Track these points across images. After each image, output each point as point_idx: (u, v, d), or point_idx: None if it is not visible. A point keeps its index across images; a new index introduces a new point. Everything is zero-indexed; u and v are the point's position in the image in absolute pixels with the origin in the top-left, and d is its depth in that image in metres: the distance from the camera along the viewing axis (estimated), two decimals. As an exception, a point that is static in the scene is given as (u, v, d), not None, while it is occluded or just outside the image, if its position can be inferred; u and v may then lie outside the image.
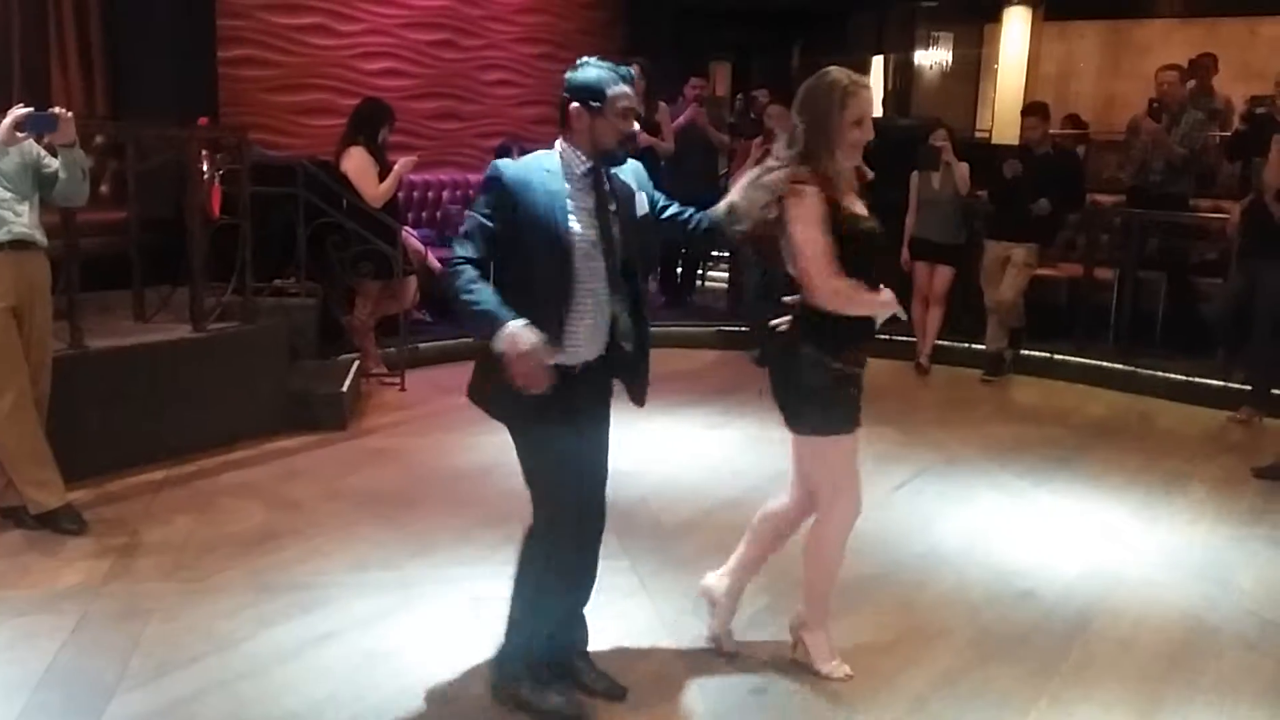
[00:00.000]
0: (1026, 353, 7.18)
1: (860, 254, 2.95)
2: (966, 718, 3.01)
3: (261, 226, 5.38)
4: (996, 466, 5.22)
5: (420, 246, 7.01)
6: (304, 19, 7.51)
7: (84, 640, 3.22)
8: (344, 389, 5.54)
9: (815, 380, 3.00)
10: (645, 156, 7.48)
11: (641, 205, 2.87)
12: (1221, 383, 6.50)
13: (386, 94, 7.06)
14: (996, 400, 6.71)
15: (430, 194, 8.22)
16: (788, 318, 3.06)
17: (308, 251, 5.90)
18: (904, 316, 3.13)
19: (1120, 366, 6.90)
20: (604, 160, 2.77)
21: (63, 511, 4.03)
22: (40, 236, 3.97)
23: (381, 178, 6.08)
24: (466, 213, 2.77)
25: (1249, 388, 6.23)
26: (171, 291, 5.15)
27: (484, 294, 2.62)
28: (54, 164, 3.98)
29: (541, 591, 2.88)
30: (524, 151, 8.58)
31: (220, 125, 6.30)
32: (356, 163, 6.05)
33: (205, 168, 5.26)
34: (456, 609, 3.51)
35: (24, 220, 3.89)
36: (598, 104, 2.71)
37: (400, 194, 6.58)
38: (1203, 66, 7.87)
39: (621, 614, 3.46)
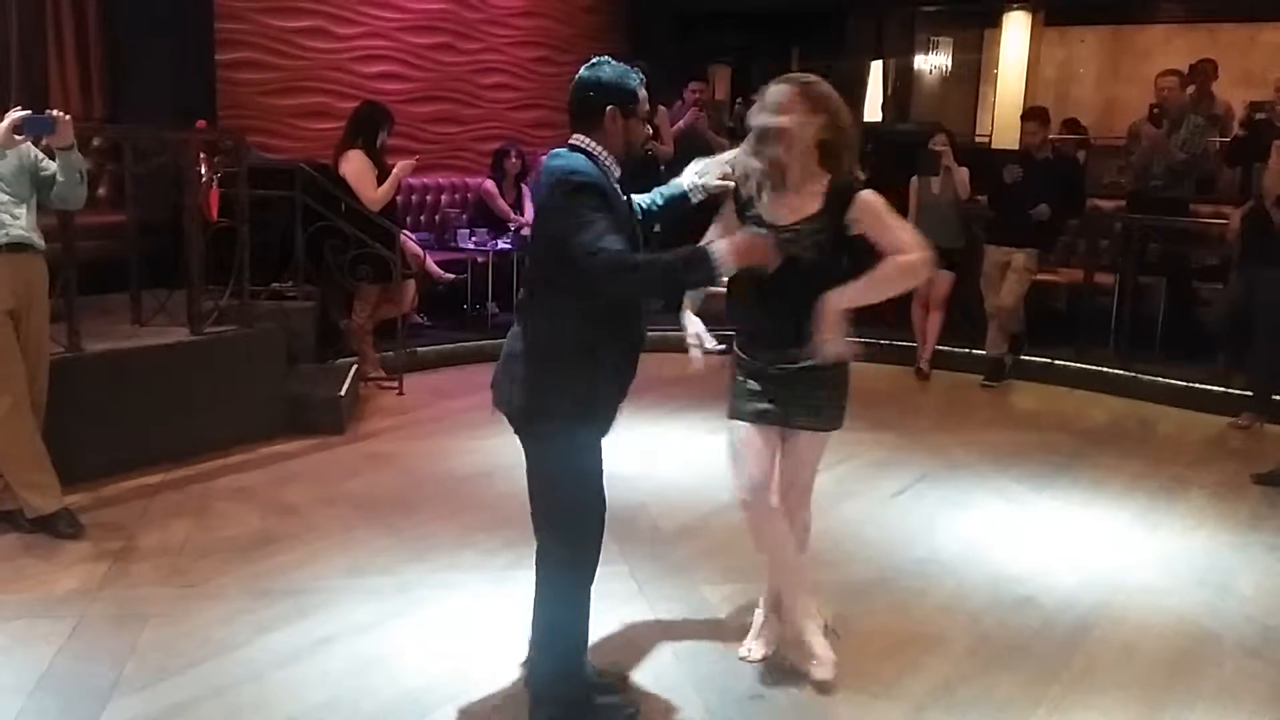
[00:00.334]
0: (1026, 358, 7.17)
1: None
2: (966, 725, 3.00)
3: (259, 230, 5.38)
4: (996, 472, 5.21)
5: (419, 250, 7.01)
6: (302, 22, 7.50)
7: (80, 645, 3.21)
8: (342, 393, 5.52)
9: None
10: (645, 160, 7.50)
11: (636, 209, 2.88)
12: (1222, 388, 6.49)
13: (385, 97, 7.06)
14: (996, 406, 6.70)
15: (429, 197, 8.22)
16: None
17: (306, 255, 5.89)
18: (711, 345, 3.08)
19: (1120, 372, 6.89)
20: (626, 164, 2.76)
21: (59, 515, 4.01)
22: (38, 239, 3.96)
23: (380, 181, 6.08)
24: (583, 221, 2.53)
25: (1250, 393, 6.22)
26: (169, 295, 5.13)
27: (662, 256, 2.62)
28: (52, 167, 3.97)
29: (579, 607, 2.82)
30: (522, 155, 8.53)
31: (218, 128, 6.29)
32: (355, 166, 6.05)
33: (203, 171, 5.25)
34: (455, 614, 3.50)
35: (21, 223, 3.88)
36: (632, 106, 2.70)
37: (399, 197, 6.57)
38: (1203, 72, 7.86)
39: (620, 620, 3.44)
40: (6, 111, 3.77)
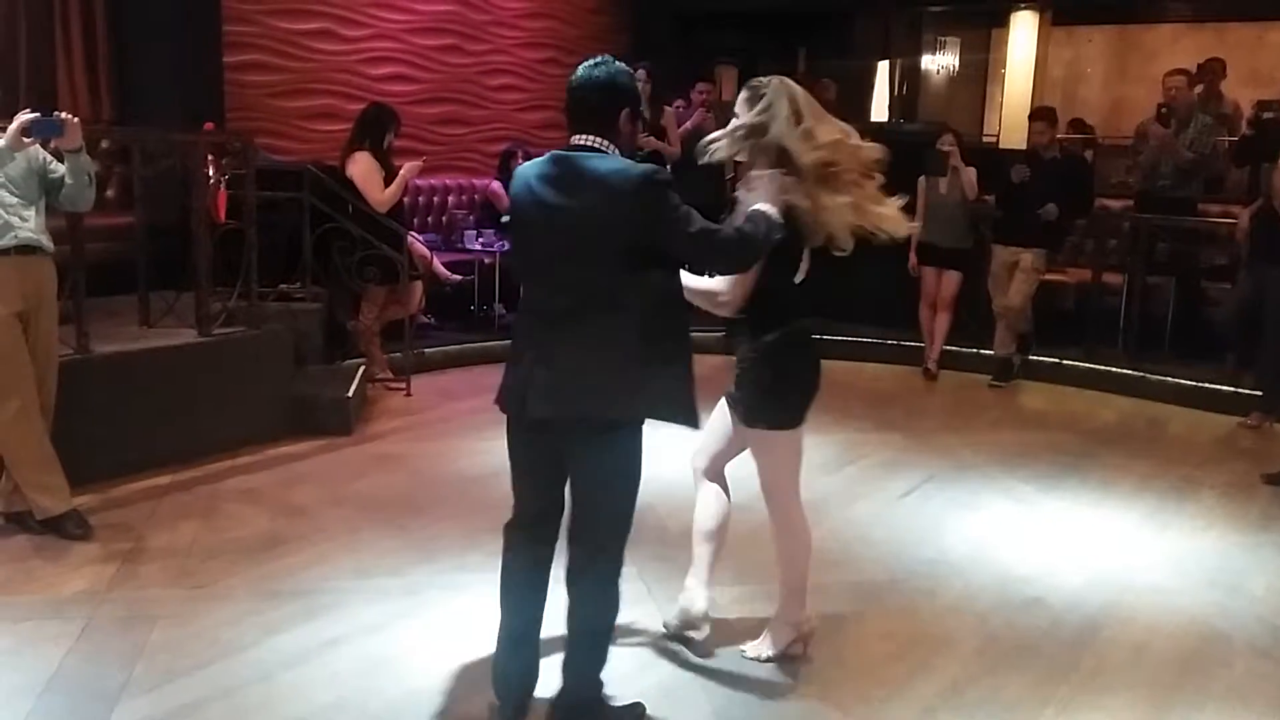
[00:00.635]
0: (1035, 358, 7.16)
1: None
2: (975, 726, 3.00)
3: (267, 231, 5.39)
4: (1005, 473, 5.19)
5: (426, 251, 7.01)
6: (310, 24, 7.51)
7: (89, 646, 3.22)
8: (349, 394, 5.53)
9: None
10: (652, 161, 7.51)
11: None
12: (1231, 388, 6.47)
13: (392, 99, 7.07)
14: (1005, 406, 6.68)
15: (436, 199, 8.22)
16: None
17: (313, 256, 5.90)
18: None
19: (1129, 372, 6.88)
20: None
21: (68, 517, 4.02)
22: (46, 242, 3.97)
23: (387, 182, 6.08)
24: (682, 212, 2.64)
25: (1259, 393, 6.21)
26: (177, 296, 5.14)
27: (741, 226, 2.78)
28: (60, 169, 3.98)
29: (615, 608, 2.85)
30: (529, 156, 8.60)
31: (226, 130, 6.30)
32: (362, 167, 6.05)
33: (211, 173, 5.26)
34: (463, 615, 3.49)
35: (30, 225, 3.89)
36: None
37: (406, 199, 6.58)
38: (1211, 71, 7.84)
39: (629, 621, 3.43)
40: (15, 114, 3.78)
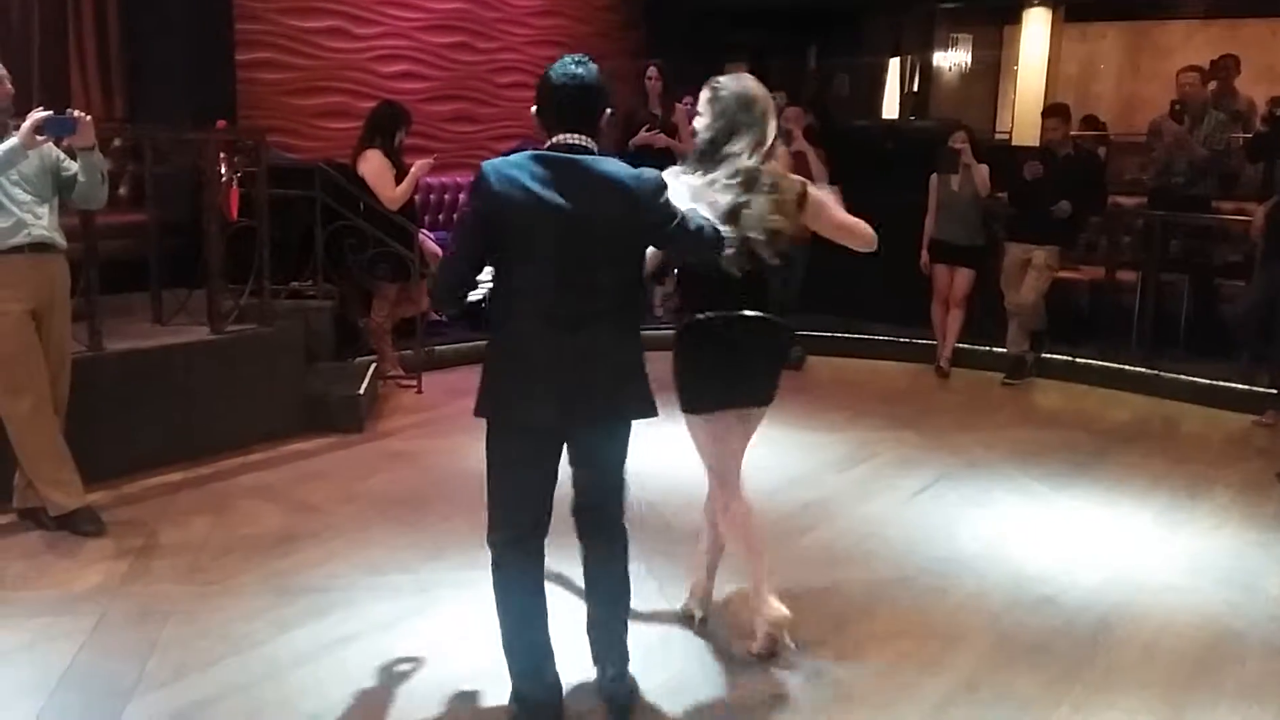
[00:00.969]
0: (1048, 356, 7.12)
1: None
2: (988, 725, 2.98)
3: (279, 229, 5.40)
4: (1018, 471, 5.17)
5: (437, 249, 7.00)
6: (321, 22, 7.52)
7: (102, 642, 3.23)
8: (361, 391, 5.54)
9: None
10: (663, 157, 7.47)
11: None
12: (1246, 386, 6.43)
13: (403, 97, 7.08)
14: (1017, 404, 6.66)
15: (446, 196, 8.22)
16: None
17: (325, 254, 5.91)
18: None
19: (1143, 370, 6.83)
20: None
21: (81, 513, 4.04)
22: (60, 239, 3.99)
23: (398, 180, 6.09)
24: (675, 208, 2.76)
25: (1274, 391, 6.17)
26: (189, 294, 5.15)
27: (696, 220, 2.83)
28: (73, 167, 3.99)
29: None
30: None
31: (238, 128, 6.31)
32: (373, 165, 6.06)
33: (223, 170, 5.26)
34: (474, 612, 3.48)
35: (44, 223, 3.90)
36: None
37: (417, 196, 6.58)
38: (1224, 68, 7.78)
39: (639, 619, 3.42)
40: (29, 112, 3.79)
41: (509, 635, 2.81)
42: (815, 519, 4.45)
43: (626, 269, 2.73)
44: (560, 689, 2.85)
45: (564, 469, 2.85)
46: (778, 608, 3.20)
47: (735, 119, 3.05)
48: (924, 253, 7.03)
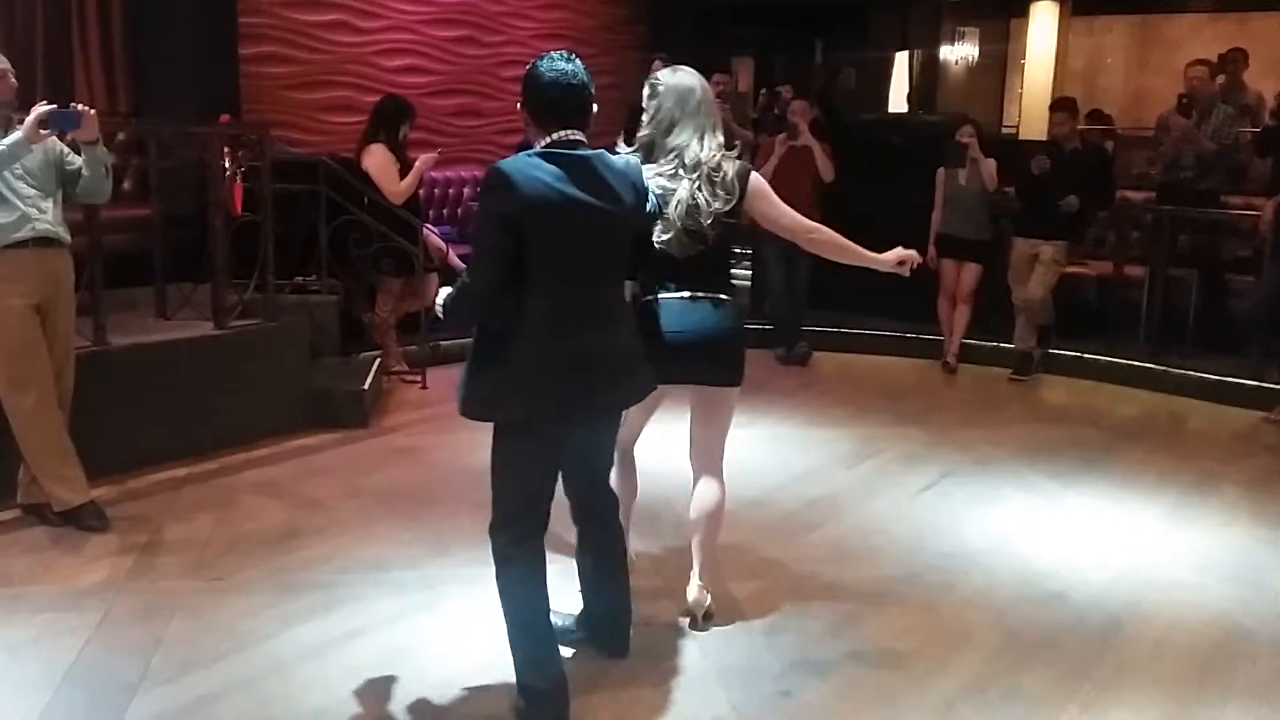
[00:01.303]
0: (1055, 352, 7.09)
1: None
2: (997, 723, 2.97)
3: (283, 224, 5.38)
4: (1025, 467, 5.15)
5: (441, 243, 6.99)
6: (326, 16, 7.51)
7: (107, 637, 3.22)
8: (365, 387, 5.53)
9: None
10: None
11: None
12: (1255, 382, 6.40)
13: (407, 90, 7.05)
14: (1025, 400, 6.62)
15: (451, 191, 8.21)
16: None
17: (329, 249, 5.89)
18: None
19: (1151, 366, 6.80)
20: None
21: (86, 508, 4.03)
22: (64, 233, 3.97)
23: (402, 175, 6.07)
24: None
25: (1282, 387, 6.14)
26: (194, 289, 5.14)
27: None
28: (77, 161, 3.98)
29: None
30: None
31: (242, 122, 6.30)
32: (377, 160, 6.04)
33: (227, 165, 5.25)
34: (480, 607, 3.47)
35: (48, 217, 3.89)
36: None
37: (421, 191, 6.56)
38: (1233, 61, 7.74)
39: (646, 618, 3.42)
40: (33, 106, 3.77)
41: (516, 629, 2.81)
42: (821, 516, 4.44)
43: (624, 261, 2.85)
44: (565, 680, 2.85)
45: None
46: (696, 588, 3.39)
47: (673, 113, 3.14)
48: (931, 247, 7.00)
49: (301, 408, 5.31)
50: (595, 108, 2.74)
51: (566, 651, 3.08)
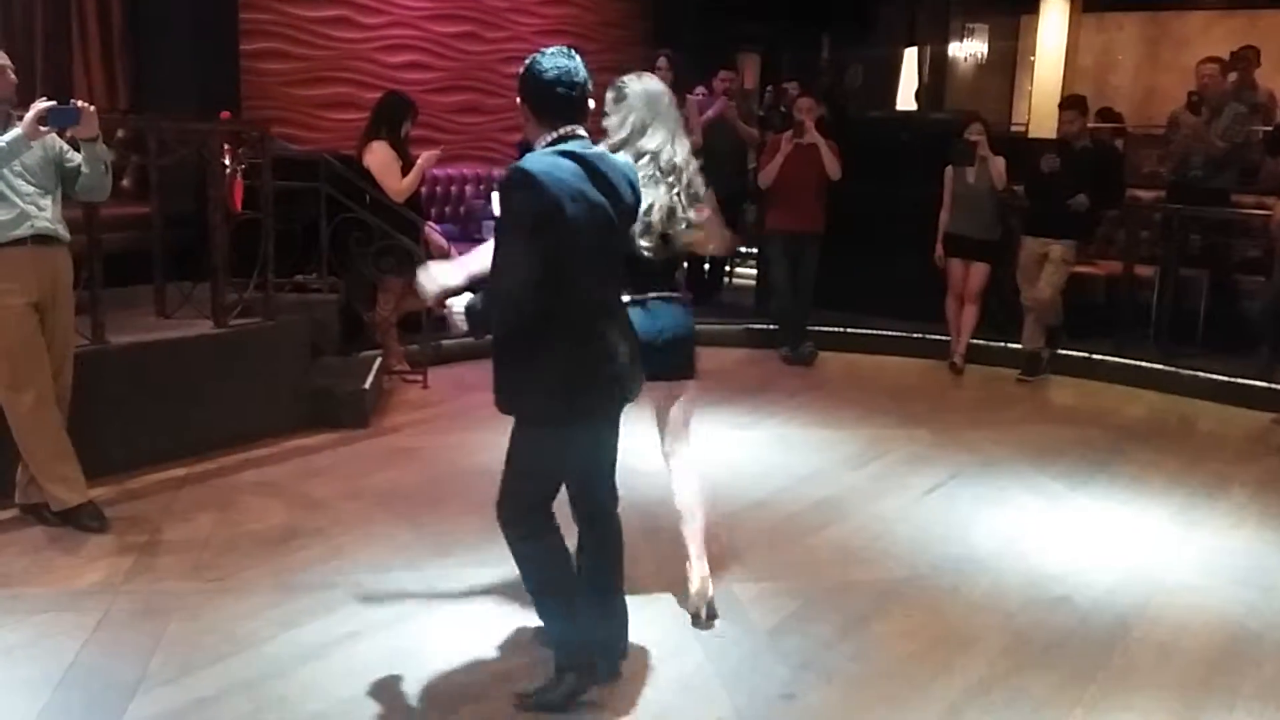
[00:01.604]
0: (1064, 352, 7.04)
1: None
2: (1002, 728, 2.94)
3: (283, 221, 5.35)
4: (1033, 469, 5.11)
5: (444, 241, 6.95)
6: (326, 11, 7.49)
7: (106, 638, 3.21)
8: (366, 386, 5.50)
9: None
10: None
11: None
12: (1265, 383, 6.36)
13: (409, 87, 7.03)
14: (1033, 401, 6.59)
15: (453, 188, 8.18)
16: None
17: (330, 247, 5.86)
18: None
19: (1161, 366, 6.75)
20: None
21: (84, 509, 4.01)
22: (63, 231, 3.95)
23: (404, 172, 6.04)
24: None
25: (1293, 388, 6.10)
26: (193, 287, 5.12)
27: None
28: (76, 158, 3.95)
29: None
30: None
31: (242, 119, 6.28)
32: (379, 157, 6.01)
33: (227, 162, 5.23)
34: (480, 609, 3.47)
35: (47, 215, 3.87)
36: None
37: (423, 188, 6.53)
38: (1244, 59, 7.66)
39: (649, 619, 3.39)
40: (32, 103, 3.75)
41: (552, 601, 2.89)
42: (827, 517, 4.41)
43: (622, 260, 2.93)
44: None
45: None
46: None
47: (645, 116, 3.21)
48: (938, 247, 6.96)
49: (302, 407, 5.29)
50: (593, 104, 2.76)
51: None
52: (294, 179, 5.64)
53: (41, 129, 3.72)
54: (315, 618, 3.37)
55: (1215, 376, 6.53)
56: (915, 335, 7.43)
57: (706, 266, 8.50)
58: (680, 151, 3.24)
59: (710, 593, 3.41)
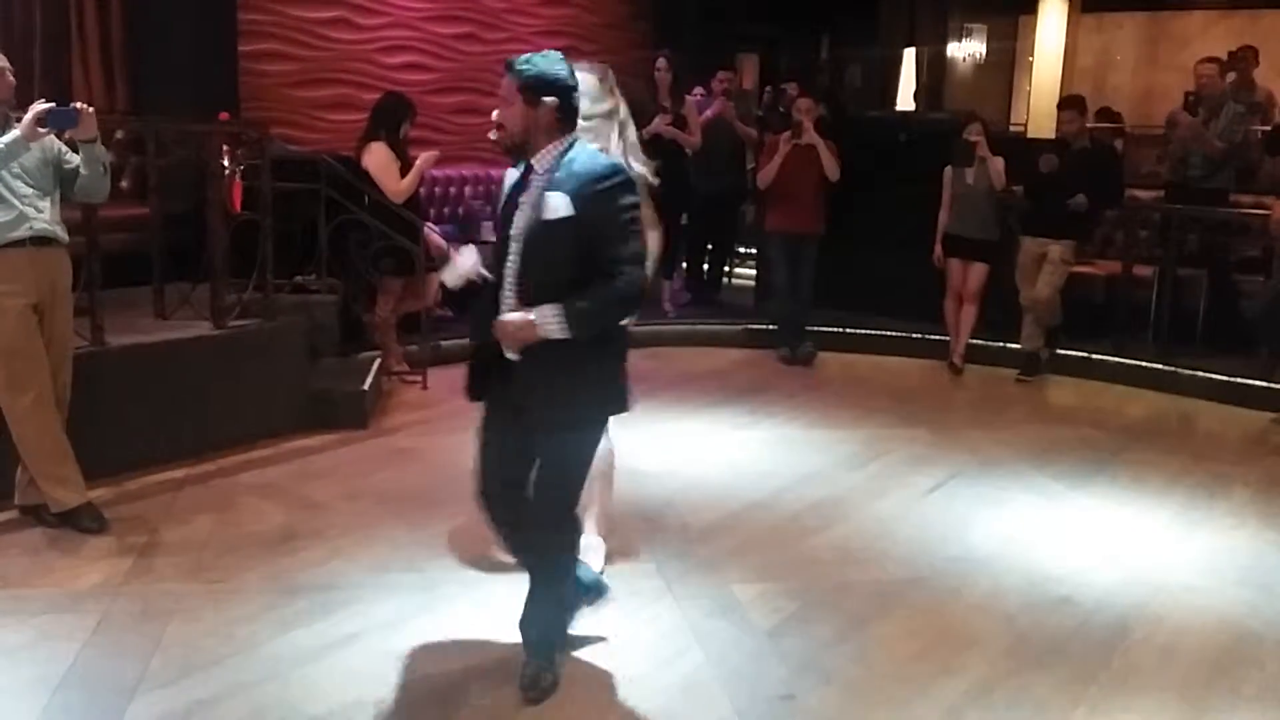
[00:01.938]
0: (1063, 352, 7.04)
1: None
2: (1003, 729, 2.94)
3: (282, 222, 5.35)
4: (1032, 469, 5.10)
5: (442, 242, 6.93)
6: (325, 13, 7.48)
7: (105, 640, 3.20)
8: (365, 387, 5.50)
9: None
10: (672, 151, 7.37)
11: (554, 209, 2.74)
12: (1264, 383, 6.35)
13: (408, 88, 7.01)
14: (1032, 401, 6.58)
15: (452, 189, 8.17)
16: None
17: (329, 248, 5.85)
18: None
19: (1160, 366, 6.75)
20: None
21: (83, 510, 4.00)
22: (61, 233, 3.94)
23: (403, 173, 6.03)
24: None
25: (1293, 387, 6.10)
26: (192, 288, 5.11)
27: None
28: (75, 160, 3.95)
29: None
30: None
31: (241, 120, 6.27)
32: (378, 158, 6.00)
33: (226, 163, 5.21)
34: (480, 610, 3.46)
35: (45, 216, 3.86)
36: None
37: (422, 189, 6.52)
38: (1243, 59, 7.66)
39: (648, 618, 3.39)
40: (30, 105, 3.74)
41: (565, 590, 3.05)
42: (826, 518, 4.40)
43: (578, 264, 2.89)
44: None
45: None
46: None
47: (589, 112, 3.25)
48: (937, 247, 6.96)
49: (301, 408, 5.28)
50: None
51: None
52: (293, 180, 5.63)
53: (40, 131, 3.71)
54: (314, 619, 3.36)
55: (1215, 376, 6.52)
56: (915, 335, 7.42)
57: (706, 266, 8.50)
58: (622, 149, 3.35)
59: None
